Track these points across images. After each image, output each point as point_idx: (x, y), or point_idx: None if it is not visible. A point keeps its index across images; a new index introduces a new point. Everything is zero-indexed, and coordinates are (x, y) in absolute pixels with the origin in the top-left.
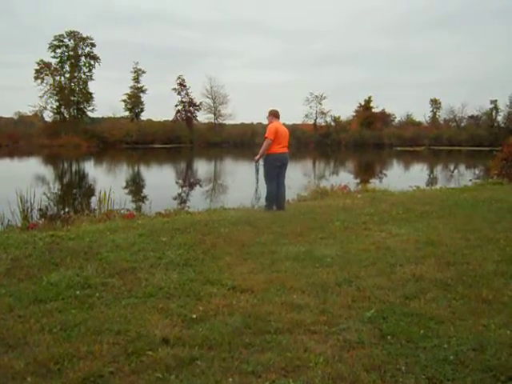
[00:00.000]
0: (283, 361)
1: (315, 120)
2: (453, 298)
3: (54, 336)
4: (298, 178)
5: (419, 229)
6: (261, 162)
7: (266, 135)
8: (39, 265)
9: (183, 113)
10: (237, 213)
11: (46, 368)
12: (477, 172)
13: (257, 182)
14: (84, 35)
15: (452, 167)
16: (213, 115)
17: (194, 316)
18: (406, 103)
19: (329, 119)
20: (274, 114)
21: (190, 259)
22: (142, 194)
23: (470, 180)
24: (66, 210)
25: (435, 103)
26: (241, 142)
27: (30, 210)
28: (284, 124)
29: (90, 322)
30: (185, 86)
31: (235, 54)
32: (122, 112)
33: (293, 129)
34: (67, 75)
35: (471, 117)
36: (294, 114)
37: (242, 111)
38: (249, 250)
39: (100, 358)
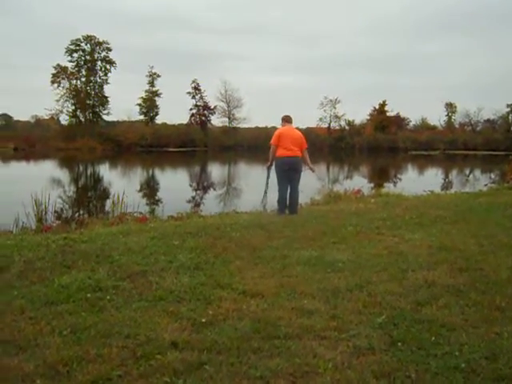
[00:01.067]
0: (292, 366)
1: (329, 124)
2: (465, 304)
3: (64, 338)
4: (311, 182)
5: (432, 234)
6: (273, 168)
7: (271, 142)
8: (51, 267)
9: (197, 116)
10: (249, 217)
11: (55, 370)
12: (492, 176)
13: (266, 186)
14: (100, 40)
15: (467, 171)
16: (227, 119)
17: (204, 320)
18: (420, 107)
19: (343, 123)
20: (286, 120)
21: (201, 263)
22: (156, 198)
23: (486, 185)
24: (81, 212)
25: (450, 107)
26: (255, 145)
27: (44, 212)
28: (298, 128)
29: (100, 325)
30: (199, 90)
31: (250, 58)
32: (137, 116)
33: (307, 132)
34: (83, 79)
35: (487, 121)
36: (309, 118)
37: (256, 115)
38: (260, 254)
39: (109, 361)
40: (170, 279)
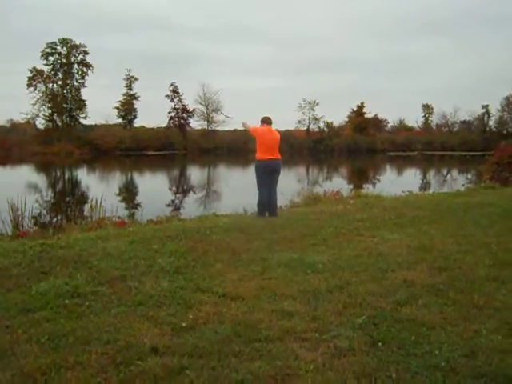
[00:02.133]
0: (273, 369)
1: (308, 126)
2: (444, 303)
3: (42, 346)
4: (291, 184)
5: (411, 234)
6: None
7: (251, 130)
8: (28, 274)
9: (176, 120)
10: (229, 219)
11: (33, 379)
12: (469, 177)
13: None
14: (77, 43)
15: (445, 172)
16: (206, 122)
17: (184, 324)
18: (398, 109)
19: (322, 125)
20: (266, 121)
21: (181, 267)
22: (135, 202)
23: (463, 185)
24: (58, 217)
25: (427, 108)
26: (234, 148)
27: (20, 218)
28: (277, 130)
29: (78, 332)
30: (178, 93)
31: (228, 61)
32: (115, 119)
33: (286, 135)
34: (60, 83)
35: (463, 122)
36: (288, 120)
37: (235, 118)
38: (240, 257)
39: (88, 368)
40: (150, 284)
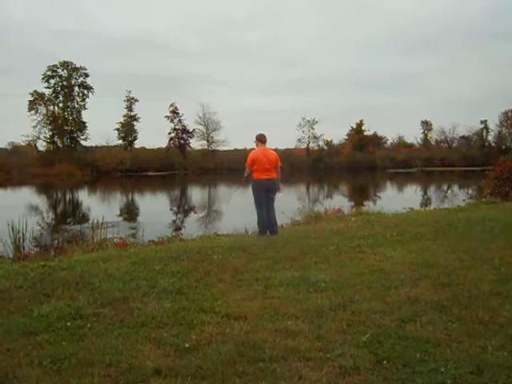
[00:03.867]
0: None
1: (308, 144)
2: (449, 320)
3: (44, 369)
4: (291, 202)
5: (413, 251)
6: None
7: (246, 164)
8: (30, 296)
9: (176, 140)
10: (230, 239)
11: None
12: (470, 192)
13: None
14: (77, 65)
15: (445, 188)
16: (206, 142)
17: (187, 345)
18: (397, 125)
19: (321, 143)
20: (260, 139)
21: (183, 287)
22: (136, 222)
23: (464, 200)
24: (59, 239)
25: (426, 124)
26: (234, 167)
27: (22, 240)
28: (276, 149)
29: (80, 354)
30: (177, 114)
31: (227, 81)
32: (115, 140)
33: (286, 154)
34: (61, 105)
35: (462, 137)
36: (288, 139)
37: (235, 137)
38: (242, 276)
39: None
40: (152, 305)
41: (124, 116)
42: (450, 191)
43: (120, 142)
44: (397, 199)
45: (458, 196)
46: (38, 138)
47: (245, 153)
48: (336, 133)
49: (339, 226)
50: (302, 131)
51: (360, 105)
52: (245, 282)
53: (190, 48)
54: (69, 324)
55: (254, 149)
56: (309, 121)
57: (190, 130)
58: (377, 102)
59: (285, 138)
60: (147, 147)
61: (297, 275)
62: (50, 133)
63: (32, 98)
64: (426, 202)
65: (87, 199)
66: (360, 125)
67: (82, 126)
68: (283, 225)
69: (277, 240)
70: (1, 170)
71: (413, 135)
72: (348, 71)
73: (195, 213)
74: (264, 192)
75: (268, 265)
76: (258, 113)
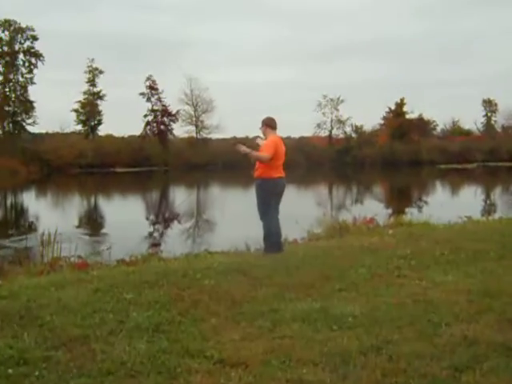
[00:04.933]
0: None
1: (330, 131)
2: None
3: None
4: (308, 208)
5: (472, 275)
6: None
7: (266, 151)
8: None
9: (154, 125)
10: (226, 258)
11: None
12: None
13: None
14: (23, 25)
15: None
16: (194, 127)
17: None
18: (450, 106)
19: (348, 129)
20: (269, 124)
21: (163, 323)
22: (100, 235)
23: None
24: None
25: (490, 105)
26: (232, 162)
27: None
28: (288, 138)
29: None
30: (156, 90)
31: (222, 46)
32: (72, 126)
33: (301, 143)
34: (0, 78)
35: None
36: (302, 124)
37: (233, 122)
38: (242, 308)
39: None
40: (121, 346)
41: (84, 93)
42: None
43: (79, 127)
44: (450, 205)
45: None
46: None
47: (245, 143)
48: (368, 116)
49: (372, 242)
50: (323, 113)
51: (400, 78)
52: (245, 316)
53: (175, 2)
54: (10, 371)
55: (259, 138)
56: (332, 99)
57: (173, 112)
58: (423, 74)
59: (300, 122)
60: (115, 135)
61: (315, 307)
62: None
63: None
64: (488, 209)
65: (35, 204)
66: (400, 105)
67: (28, 107)
68: (297, 240)
69: (289, 260)
70: None
71: (471, 119)
72: (384, 34)
73: (179, 223)
74: (276, 195)
75: (277, 293)
76: (264, 89)
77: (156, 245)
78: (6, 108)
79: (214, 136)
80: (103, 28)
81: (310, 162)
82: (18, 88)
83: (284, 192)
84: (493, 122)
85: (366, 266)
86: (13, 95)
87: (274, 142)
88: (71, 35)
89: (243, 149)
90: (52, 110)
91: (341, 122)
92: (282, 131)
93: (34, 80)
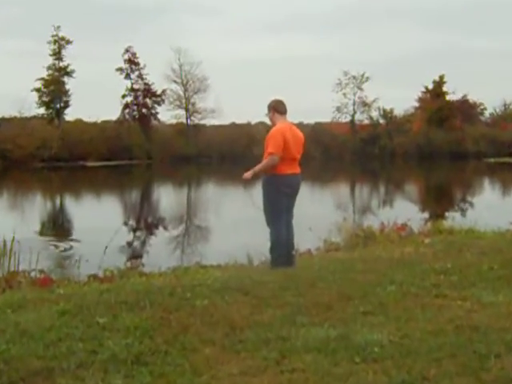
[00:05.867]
0: None
1: (353, 116)
2: None
3: None
4: (325, 211)
5: None
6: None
7: (271, 150)
8: None
9: (135, 108)
10: (223, 273)
11: None
12: None
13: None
14: None
15: None
16: (184, 111)
17: None
18: (502, 85)
19: (375, 114)
20: (277, 109)
21: (145, 353)
22: (67, 244)
23: None
24: None
25: None
26: (231, 153)
27: None
28: (301, 124)
29: None
30: (137, 65)
31: (219, 11)
32: (34, 109)
33: (317, 131)
34: None
35: None
36: (319, 107)
37: (231, 104)
38: (243, 335)
39: None
40: (93, 382)
41: (48, 68)
42: None
43: (41, 111)
44: (500, 208)
45: None
46: None
47: (248, 131)
48: (399, 97)
49: (404, 253)
50: (344, 94)
51: (440, 52)
52: (247, 344)
53: None
54: None
55: (270, 126)
56: (354, 77)
57: (158, 92)
58: (468, 47)
59: (315, 105)
60: (86, 120)
61: (333, 334)
62: None
63: None
64: None
65: None
66: (440, 84)
67: None
68: (312, 250)
69: (300, 275)
70: None
71: None
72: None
73: (165, 229)
74: (287, 195)
75: (286, 316)
76: (269, 64)
77: (136, 257)
78: None
79: (209, 122)
80: None
81: (327, 154)
82: None
83: (299, 190)
84: None
85: (397, 284)
86: None
87: (280, 132)
88: None
89: (248, 174)
90: (8, 89)
91: (366, 104)
92: (293, 116)
93: None
